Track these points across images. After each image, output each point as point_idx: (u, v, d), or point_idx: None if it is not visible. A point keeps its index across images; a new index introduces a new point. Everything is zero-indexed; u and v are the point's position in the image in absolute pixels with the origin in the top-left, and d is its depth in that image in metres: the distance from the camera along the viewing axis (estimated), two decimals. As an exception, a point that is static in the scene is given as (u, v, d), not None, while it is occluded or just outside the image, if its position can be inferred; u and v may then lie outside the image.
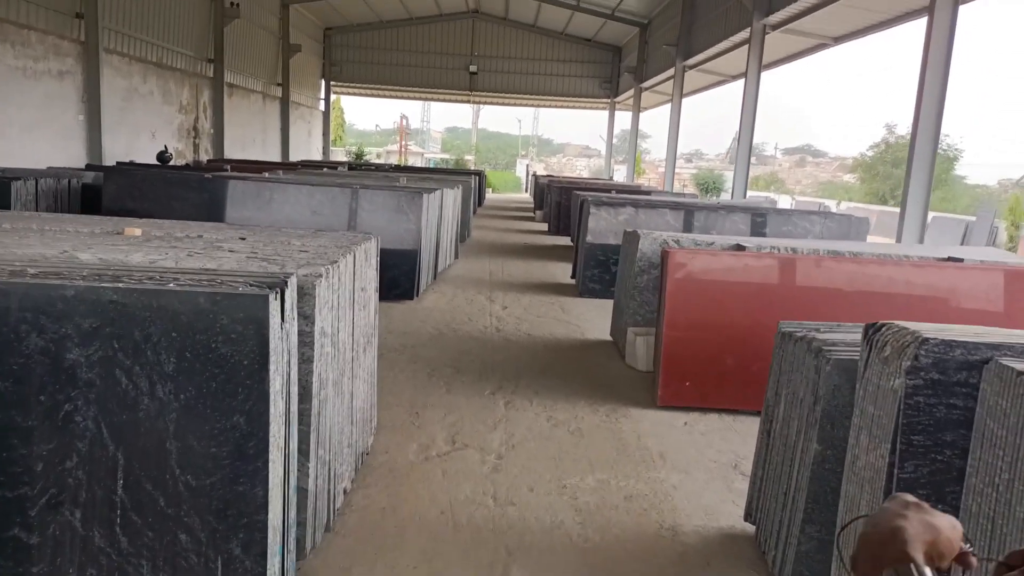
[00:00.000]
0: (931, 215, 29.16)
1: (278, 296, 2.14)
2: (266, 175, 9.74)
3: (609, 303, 8.19)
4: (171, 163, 16.33)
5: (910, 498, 0.89)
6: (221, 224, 3.68)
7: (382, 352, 5.70)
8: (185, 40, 18.94)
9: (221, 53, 20.68)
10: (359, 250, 3.26)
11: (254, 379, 2.08)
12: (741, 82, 23.60)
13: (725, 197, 39.59)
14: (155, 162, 16.21)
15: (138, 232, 3.11)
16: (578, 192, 13.98)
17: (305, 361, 2.56)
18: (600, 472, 3.76)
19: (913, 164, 8.69)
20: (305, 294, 2.53)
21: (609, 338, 6.66)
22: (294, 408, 2.38)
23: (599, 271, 8.63)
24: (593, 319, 7.53)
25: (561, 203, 16.14)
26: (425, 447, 3.96)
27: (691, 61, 20.47)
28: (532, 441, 4.13)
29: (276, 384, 2.16)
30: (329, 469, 2.86)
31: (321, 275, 2.61)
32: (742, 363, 4.78)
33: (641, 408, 4.80)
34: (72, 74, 14.14)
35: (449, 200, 9.88)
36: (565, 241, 14.89)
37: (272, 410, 2.11)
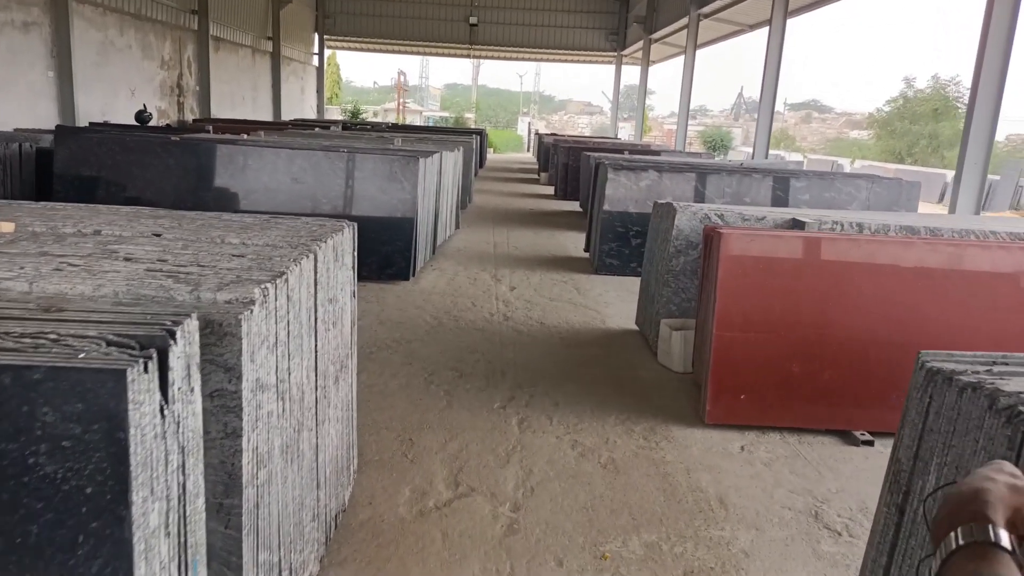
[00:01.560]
0: (949, 173, 28.09)
1: (149, 365, 1.24)
2: (244, 137, 8.74)
3: (629, 281, 7.31)
4: (151, 123, 15.27)
5: (1008, 465, 0.87)
6: (143, 210, 2.75)
7: (371, 351, 4.82)
8: (165, -11, 17.66)
9: (206, 4, 19.39)
10: (324, 248, 2.34)
11: (105, 517, 1.18)
12: (753, 33, 22.31)
13: (734, 156, 38.36)
14: (134, 123, 15.15)
15: (9, 229, 2.19)
16: (588, 153, 12.97)
17: (228, 436, 1.66)
18: (647, 531, 2.89)
19: (972, 124, 7.67)
20: (226, 334, 1.63)
21: (635, 327, 5.77)
22: (200, 533, 1.49)
23: (618, 244, 7.69)
24: (613, 302, 6.62)
25: (569, 165, 15.10)
26: (420, 492, 3.09)
27: (707, 9, 19.16)
28: (555, 480, 3.27)
29: (154, 515, 1.26)
30: (279, 570, 1.99)
31: (253, 301, 1.70)
32: (810, 371, 3.89)
33: (685, 426, 3.93)
34: (39, 25, 12.99)
35: (449, 164, 8.90)
36: (573, 206, 13.91)
37: (144, 566, 1.22)
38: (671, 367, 4.80)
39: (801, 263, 3.91)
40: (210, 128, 13.07)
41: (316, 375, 2.29)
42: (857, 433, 3.85)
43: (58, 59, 13.42)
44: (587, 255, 8.69)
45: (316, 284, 2.24)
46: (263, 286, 1.77)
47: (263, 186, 6.83)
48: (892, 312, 3.85)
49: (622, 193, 7.68)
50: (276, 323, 1.86)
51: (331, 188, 6.81)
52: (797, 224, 4.79)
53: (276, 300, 1.86)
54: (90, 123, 13.10)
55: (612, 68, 33.98)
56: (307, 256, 2.14)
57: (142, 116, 14.95)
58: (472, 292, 6.73)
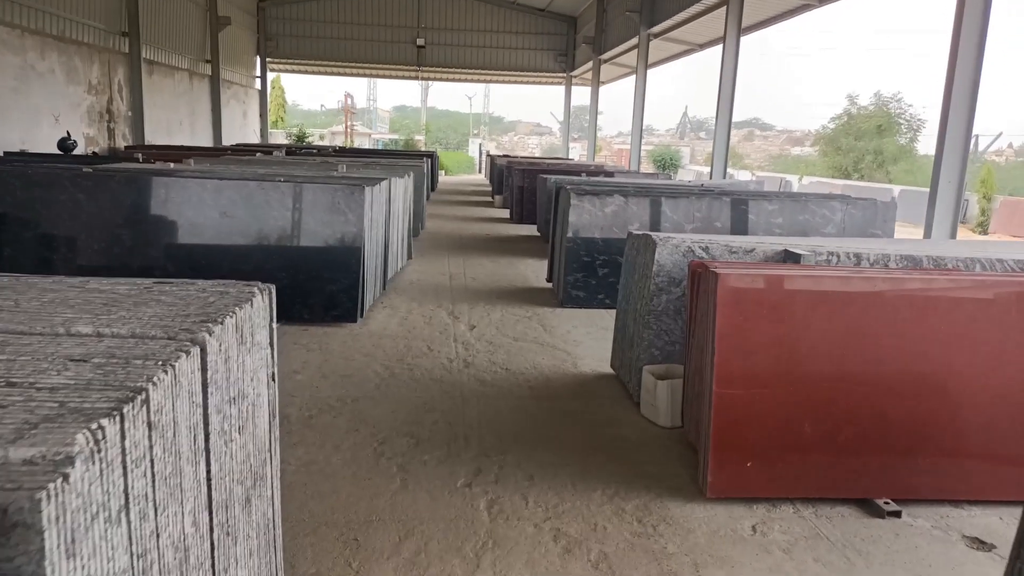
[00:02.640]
0: (897, 188, 28.53)
1: None
2: (171, 166, 7.95)
3: (598, 315, 6.76)
4: (75, 151, 14.24)
5: None
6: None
7: (311, 414, 4.12)
8: (92, 10, 16.66)
9: (137, 25, 18.41)
10: (222, 330, 1.68)
11: None
12: (699, 54, 22.27)
13: (683, 174, 38.55)
14: (57, 151, 14.10)
15: None
16: (544, 175, 12.47)
17: None
18: (661, 666, 2.28)
19: (946, 140, 7.37)
20: (16, 525, 0.96)
21: (610, 370, 5.19)
22: None
23: (584, 275, 7.13)
24: (583, 340, 6.04)
25: (524, 187, 14.59)
26: (369, 622, 2.42)
27: (656, 28, 19.01)
28: (539, 591, 2.63)
29: None
30: None
31: (72, 458, 1.05)
32: (825, 432, 3.35)
33: (684, 501, 3.33)
34: (-55, 48, 11.94)
35: (399, 190, 8.25)
36: (531, 230, 13.39)
37: None
38: (657, 421, 4.22)
39: (810, 306, 3.38)
40: (139, 156, 12.18)
41: (211, 513, 1.62)
42: (880, 502, 3.32)
43: (-31, 84, 12.36)
44: (550, 285, 8.12)
45: (207, 387, 1.57)
46: (96, 426, 1.11)
47: (188, 221, 6.07)
48: (915, 360, 3.35)
49: (587, 219, 7.14)
50: (127, 474, 1.20)
51: (266, 222, 6.09)
52: (791, 256, 4.29)
53: (126, 439, 1.19)
54: (3, 152, 12.07)
55: (561, 89, 33.83)
56: (188, 353, 1.48)
57: (65, 144, 13.92)
58: (428, 333, 6.07)
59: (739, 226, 7.22)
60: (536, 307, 7.18)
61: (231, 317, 1.75)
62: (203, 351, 1.55)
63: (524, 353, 5.62)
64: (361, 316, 6.29)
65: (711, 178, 14.01)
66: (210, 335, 1.59)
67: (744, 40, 19.31)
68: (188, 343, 1.51)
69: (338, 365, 5.13)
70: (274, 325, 2.14)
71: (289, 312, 6.09)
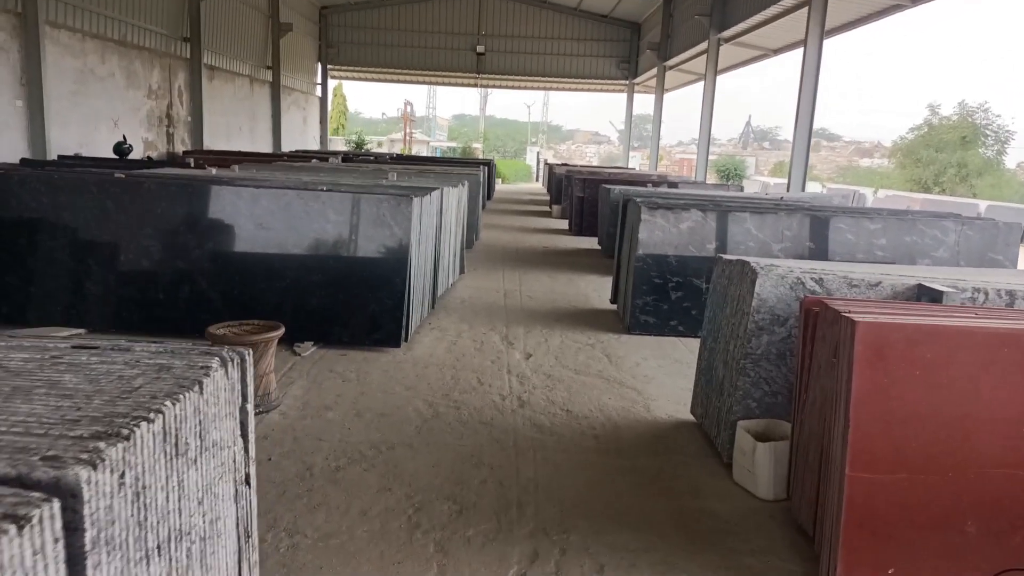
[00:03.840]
0: (983, 204, 26.75)
1: None
2: (213, 171, 7.51)
3: (669, 344, 5.98)
4: (131, 155, 14.15)
5: None
6: None
7: (338, 465, 3.48)
8: (154, 15, 16.68)
9: (198, 31, 18.43)
10: (127, 454, 1.01)
11: None
12: (767, 60, 21.05)
13: (748, 185, 37.14)
14: (112, 155, 14.04)
15: None
16: (607, 186, 11.72)
17: None
18: None
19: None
20: None
21: (690, 417, 4.41)
22: None
23: (654, 298, 6.36)
24: (655, 376, 5.27)
25: (585, 198, 13.86)
26: None
27: (727, 33, 18.07)
28: None
29: None
30: None
31: None
32: (997, 532, 2.52)
33: (804, 616, 2.55)
34: (5, 51, 11.92)
35: (452, 201, 7.63)
36: (591, 243, 12.63)
37: None
38: (755, 492, 3.43)
39: (982, 365, 2.57)
40: (191, 161, 11.93)
41: None
42: (1074, 631, 2.48)
43: (28, 87, 12.33)
44: (615, 307, 7.36)
45: (82, 556, 0.91)
46: None
47: (221, 232, 5.56)
48: None
49: (659, 236, 6.37)
50: None
51: (304, 235, 5.52)
52: (927, 292, 3.46)
53: None
54: (59, 156, 11.98)
55: (621, 96, 32.97)
56: (25, 523, 0.81)
57: (121, 148, 13.84)
58: (478, 363, 5.39)
59: (836, 248, 6.34)
60: (600, 333, 6.43)
61: (154, 420, 1.09)
62: (74, 498, 0.89)
63: (587, 390, 4.88)
64: (405, 340, 5.65)
65: (788, 191, 13.01)
66: (94, 468, 0.92)
67: (796, 51, 18.19)
68: (41, 494, 0.85)
69: (376, 400, 4.49)
70: (250, 405, 1.48)
71: (327, 334, 5.51)
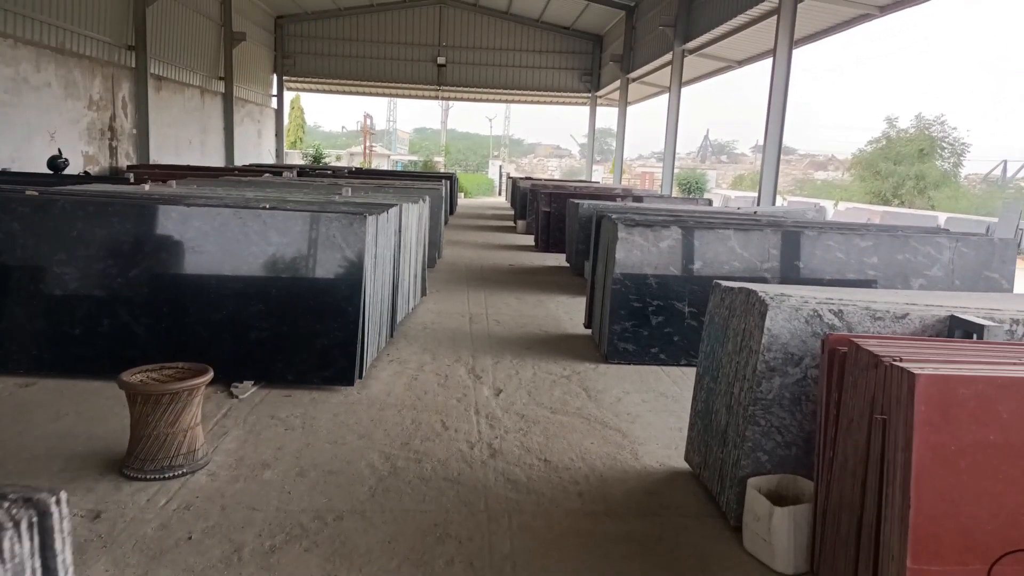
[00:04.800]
0: (942, 216, 27.07)
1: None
2: (146, 188, 6.80)
3: (652, 374, 5.48)
4: (66, 170, 13.23)
5: None
6: None
7: (275, 543, 2.85)
8: (95, 22, 15.78)
9: (144, 39, 17.52)
10: None
11: None
12: (724, 74, 20.92)
13: (708, 199, 37.22)
14: (47, 170, 13.12)
15: None
16: (575, 200, 11.24)
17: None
18: None
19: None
20: None
21: (683, 464, 3.88)
22: None
23: (633, 324, 5.85)
24: (640, 413, 4.74)
25: (551, 213, 13.37)
26: None
27: (692, 44, 17.85)
28: None
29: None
30: None
31: None
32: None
33: None
34: (-76, 58, 10.99)
35: (412, 218, 7.04)
36: (559, 260, 12.14)
37: None
38: (772, 565, 2.90)
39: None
40: (131, 176, 11.13)
41: None
42: None
43: (-49, 97, 11.39)
44: (589, 332, 6.83)
45: None
46: None
47: (146, 257, 4.87)
48: None
49: (637, 256, 5.86)
50: None
51: (242, 259, 4.88)
52: (960, 325, 2.99)
53: None
54: (-17, 171, 11.05)
55: (582, 110, 32.76)
56: None
57: (56, 163, 12.92)
58: (442, 402, 4.79)
59: (825, 268, 5.91)
60: (575, 362, 5.89)
61: None
62: None
63: (566, 433, 4.32)
64: (360, 376, 5.03)
65: (758, 204, 12.70)
66: None
67: (759, 63, 18.10)
68: None
69: (323, 453, 3.86)
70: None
71: (270, 371, 4.86)
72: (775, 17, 12.44)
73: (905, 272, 5.96)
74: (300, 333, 4.87)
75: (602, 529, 3.19)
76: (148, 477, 3.46)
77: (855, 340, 2.65)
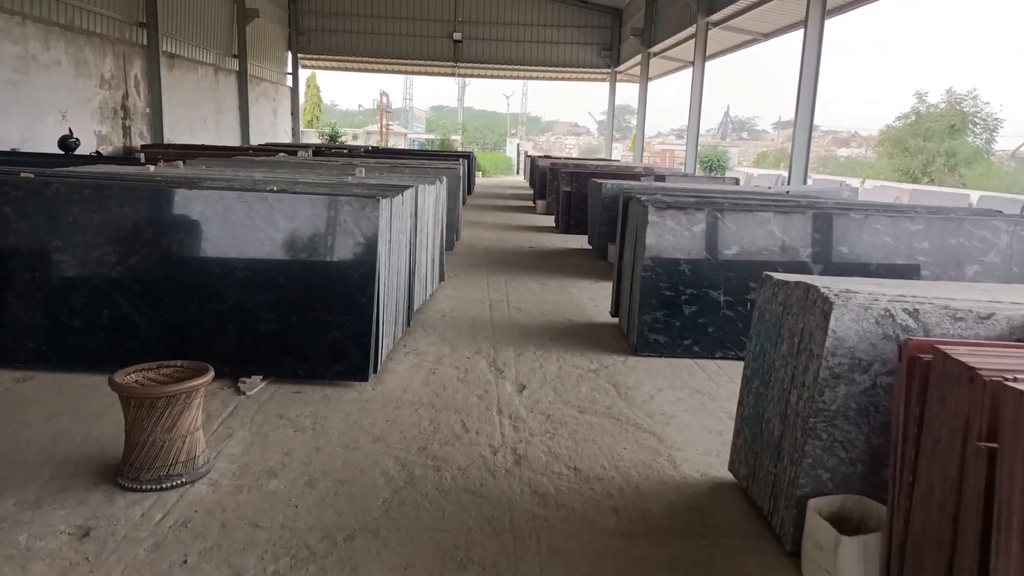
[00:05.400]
0: (975, 194, 26.25)
1: None
2: (151, 169, 6.50)
3: (685, 367, 5.14)
4: (77, 150, 13.00)
5: None
6: None
7: (278, 568, 2.54)
8: (105, -1, 15.47)
9: (155, 15, 17.23)
10: None
11: None
12: (745, 49, 20.24)
13: (736, 178, 36.50)
14: (58, 150, 12.89)
15: None
16: (597, 180, 10.83)
17: None
18: None
19: None
20: None
21: (727, 474, 3.53)
22: None
23: (665, 313, 5.48)
24: (675, 413, 4.39)
25: (572, 193, 12.96)
26: None
27: (717, 16, 17.23)
28: None
29: None
30: None
31: None
32: None
33: None
34: (-70, 35, 10.75)
35: (429, 200, 6.70)
36: (580, 242, 11.76)
37: None
38: (837, 599, 2.56)
39: None
40: (142, 156, 10.87)
41: None
42: None
43: (-41, 75, 11.15)
44: (616, 321, 6.48)
45: None
46: None
47: (147, 244, 4.58)
48: None
49: (669, 241, 5.49)
50: None
51: (249, 245, 4.56)
52: (1058, 327, 2.60)
53: None
54: (-9, 151, 10.84)
55: (599, 87, 32.09)
56: None
57: (67, 142, 12.70)
58: (462, 399, 4.48)
59: (872, 253, 5.50)
60: (602, 354, 5.54)
61: None
62: None
63: (597, 436, 3.99)
64: (374, 371, 4.72)
65: (788, 182, 12.22)
66: None
67: (785, 36, 17.44)
68: None
69: (334, 459, 3.56)
70: None
71: (278, 366, 4.56)
72: (808, -14, 11.84)
73: (959, 258, 5.54)
74: (310, 325, 4.57)
75: (641, 553, 2.86)
76: (144, 488, 3.17)
77: (941, 347, 2.28)
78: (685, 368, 5.24)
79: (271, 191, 4.78)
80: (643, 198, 5.98)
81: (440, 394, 4.55)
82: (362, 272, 4.58)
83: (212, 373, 3.38)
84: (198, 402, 3.32)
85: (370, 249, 4.58)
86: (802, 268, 5.49)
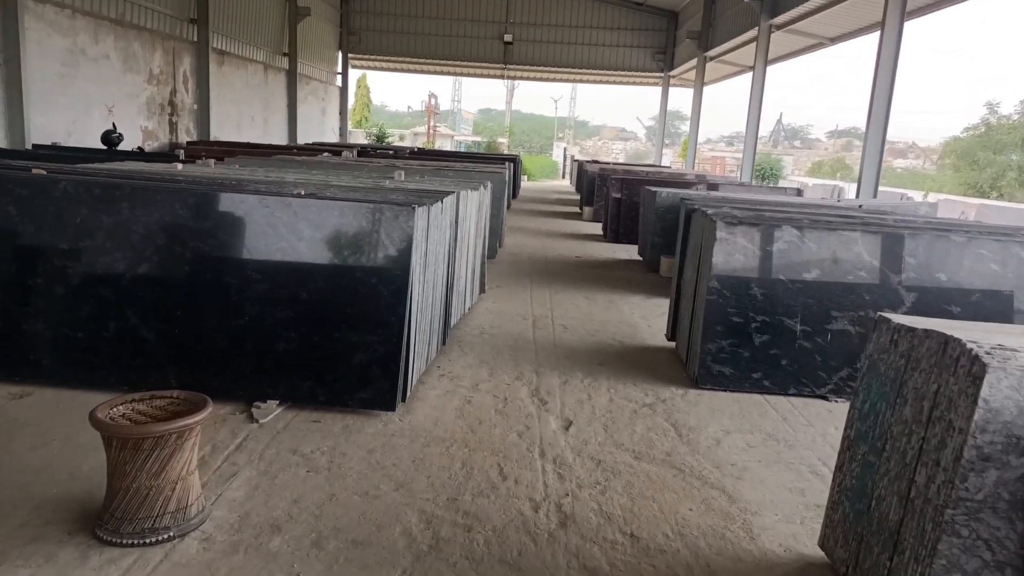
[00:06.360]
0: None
1: None
2: (179, 167, 6.13)
3: (755, 404, 4.52)
4: (120, 146, 12.88)
5: None
6: None
7: None
8: (156, -7, 15.41)
9: (207, 12, 17.16)
10: None
11: None
12: (823, 50, 19.26)
13: (798, 188, 35.31)
14: (101, 145, 12.79)
15: None
16: (651, 188, 10.21)
17: None
18: None
19: None
20: None
21: (818, 552, 2.91)
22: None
23: (732, 343, 4.86)
24: (747, 464, 3.77)
25: (622, 200, 12.34)
26: None
27: (780, 19, 16.41)
28: None
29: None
30: None
31: None
32: None
33: None
34: (-22, 27, 10.68)
35: (471, 207, 6.19)
36: (630, 252, 11.13)
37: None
38: None
39: None
40: (181, 152, 10.63)
41: None
42: None
43: (6, 68, 11.08)
44: (673, 345, 5.87)
45: None
46: None
47: (158, 250, 4.15)
48: None
49: (740, 261, 4.86)
50: None
51: (268, 256, 4.10)
52: None
53: None
54: (33, 145, 10.72)
55: (647, 91, 31.32)
56: None
57: (110, 137, 12.58)
58: (500, 436, 3.93)
59: (976, 282, 4.79)
60: (659, 385, 4.94)
61: None
62: None
63: (656, 492, 3.40)
64: (403, 400, 4.21)
65: (858, 195, 11.39)
66: None
67: (855, 41, 16.46)
68: None
69: (349, 510, 3.05)
70: None
71: (296, 389, 4.08)
72: (884, -15, 11.02)
73: (1085, 289, 4.79)
74: (334, 345, 4.08)
75: (719, 665, 2.27)
76: (124, 542, 2.70)
77: None
78: (754, 406, 4.61)
79: (296, 195, 4.31)
80: (709, 211, 5.35)
81: (475, 429, 4.02)
82: (393, 288, 4.07)
83: (210, 408, 2.90)
84: (192, 442, 2.84)
85: (403, 262, 4.07)
86: (892, 296, 4.81)
